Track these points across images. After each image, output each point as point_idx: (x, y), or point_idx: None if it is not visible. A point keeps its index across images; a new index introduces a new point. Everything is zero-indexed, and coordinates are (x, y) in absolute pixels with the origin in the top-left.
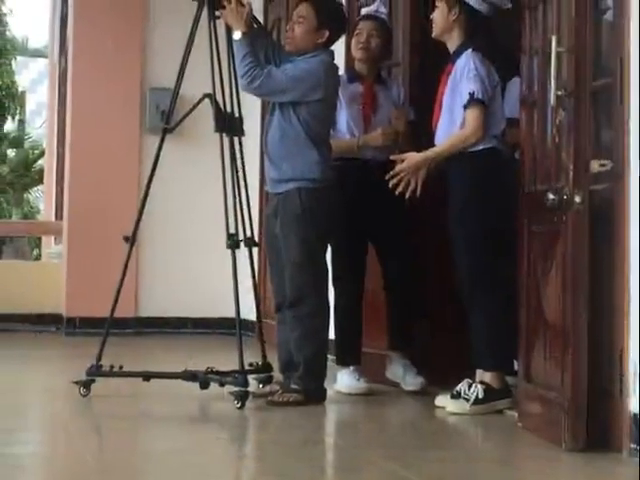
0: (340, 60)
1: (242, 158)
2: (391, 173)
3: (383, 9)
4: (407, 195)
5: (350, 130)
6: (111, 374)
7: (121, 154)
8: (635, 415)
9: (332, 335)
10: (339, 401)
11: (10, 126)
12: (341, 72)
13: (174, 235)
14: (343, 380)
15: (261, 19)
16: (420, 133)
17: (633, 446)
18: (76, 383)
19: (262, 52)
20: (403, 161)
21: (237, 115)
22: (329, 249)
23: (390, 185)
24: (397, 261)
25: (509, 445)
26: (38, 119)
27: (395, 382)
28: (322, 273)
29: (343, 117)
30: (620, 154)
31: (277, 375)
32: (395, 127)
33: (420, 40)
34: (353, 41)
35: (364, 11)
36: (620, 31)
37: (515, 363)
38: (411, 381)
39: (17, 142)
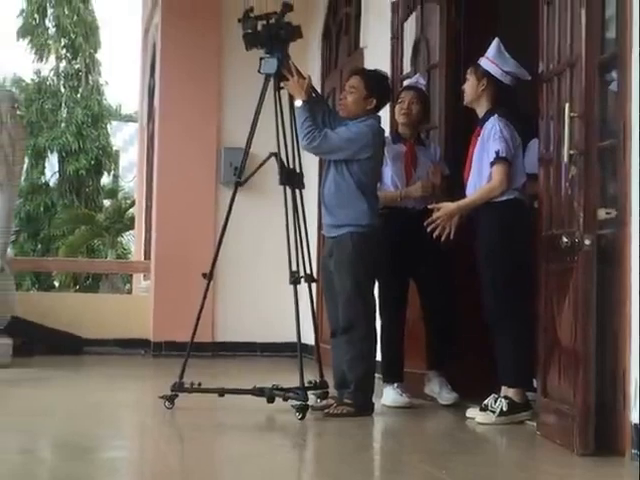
0: (385, 123)
1: (302, 207)
2: (429, 220)
3: (422, 80)
4: (442, 239)
5: (394, 183)
6: (191, 390)
7: (199, 204)
8: (636, 425)
9: (379, 357)
10: (385, 413)
11: (106, 180)
12: (386, 134)
13: (245, 272)
14: (388, 395)
15: (319, 89)
16: (454, 185)
17: (634, 451)
18: (162, 398)
19: (320, 117)
20: (439, 209)
21: (298, 170)
22: (376, 284)
23: (428, 230)
24: (434, 294)
25: (529, 451)
26: (129, 174)
27: (432, 397)
28: (370, 304)
29: (388, 172)
30: (623, 204)
31: (332, 391)
32: (432, 181)
33: (454, 107)
34: (397, 108)
35: (406, 82)
36: (623, 99)
37: (534, 381)
38: (446, 396)
39: (112, 193)
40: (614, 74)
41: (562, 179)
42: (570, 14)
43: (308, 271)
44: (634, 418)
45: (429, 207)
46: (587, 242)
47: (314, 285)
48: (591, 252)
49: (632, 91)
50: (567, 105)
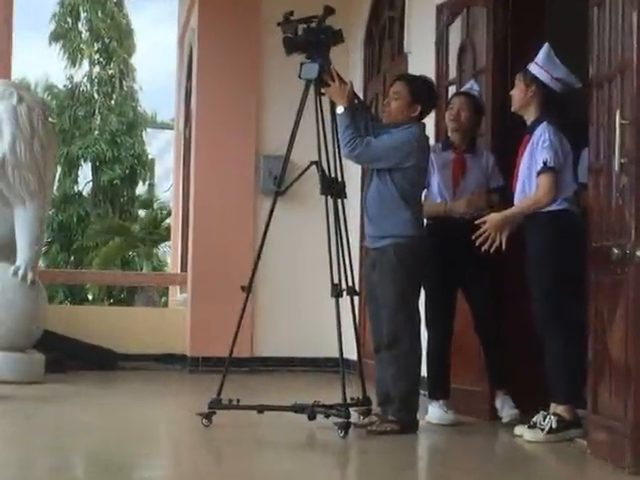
0: (430, 131)
1: (344, 218)
2: (477, 233)
3: (476, 87)
4: (491, 250)
5: (441, 193)
6: (230, 407)
7: (238, 214)
8: None
9: (424, 372)
10: (430, 430)
11: (141, 189)
12: (431, 142)
13: (285, 285)
14: (433, 412)
15: (361, 95)
16: (507, 195)
17: None
18: (199, 415)
19: (362, 124)
20: (485, 222)
21: (340, 180)
22: (422, 296)
23: (477, 244)
24: (486, 304)
25: (578, 469)
26: (165, 183)
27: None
28: (415, 318)
29: (435, 181)
30: None
31: (375, 408)
32: (476, 204)
33: (501, 114)
34: (446, 114)
35: (463, 89)
36: None
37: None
38: (507, 413)
39: (147, 203)
40: None
41: (613, 189)
42: (621, 17)
43: (350, 283)
44: None
45: (476, 223)
46: (639, 253)
47: (356, 298)
48: None
49: None
50: (618, 112)
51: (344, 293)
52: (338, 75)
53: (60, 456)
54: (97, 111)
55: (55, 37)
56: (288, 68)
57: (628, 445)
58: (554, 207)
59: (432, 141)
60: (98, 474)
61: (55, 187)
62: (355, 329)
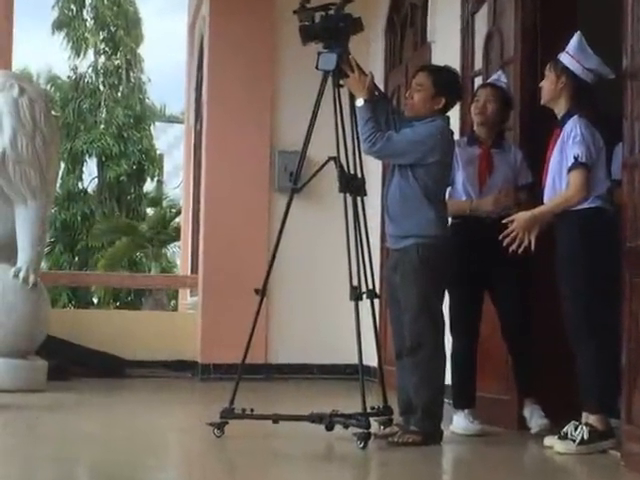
0: (455, 125)
1: (364, 216)
2: (504, 233)
3: (504, 78)
4: (519, 251)
5: (466, 190)
6: (243, 416)
7: (252, 212)
8: None
9: (448, 379)
10: (454, 441)
11: (149, 187)
12: (456, 136)
13: (301, 287)
14: (458, 422)
15: (382, 87)
16: (536, 193)
17: None
18: (211, 425)
19: (383, 117)
20: (513, 222)
21: (359, 176)
22: (447, 298)
23: (504, 244)
24: (515, 306)
25: None
26: (175, 180)
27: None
28: (439, 321)
29: (459, 178)
30: None
31: (397, 418)
32: (504, 202)
33: (530, 106)
34: (472, 107)
35: (489, 80)
36: None
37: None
38: (537, 422)
39: (155, 201)
40: None
41: None
42: None
43: (370, 286)
44: None
45: (503, 222)
46: None
47: (377, 301)
48: None
49: None
50: None
51: (364, 296)
52: (358, 66)
53: (63, 467)
54: (103, 104)
55: (58, 25)
56: (305, 58)
57: None
58: (586, 205)
59: (457, 135)
60: None
61: (58, 184)
62: (375, 334)
